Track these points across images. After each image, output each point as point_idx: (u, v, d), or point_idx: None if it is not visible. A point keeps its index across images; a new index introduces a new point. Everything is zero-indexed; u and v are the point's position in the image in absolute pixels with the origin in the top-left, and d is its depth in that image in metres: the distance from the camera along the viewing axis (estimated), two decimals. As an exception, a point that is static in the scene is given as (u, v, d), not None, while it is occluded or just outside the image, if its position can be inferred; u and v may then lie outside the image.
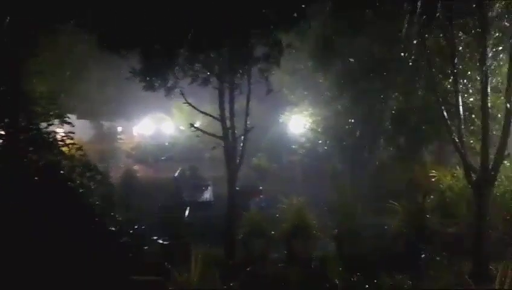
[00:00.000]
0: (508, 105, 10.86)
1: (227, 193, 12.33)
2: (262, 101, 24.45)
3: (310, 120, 20.39)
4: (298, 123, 21.67)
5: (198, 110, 12.64)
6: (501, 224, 12.96)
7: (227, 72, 11.32)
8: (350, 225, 13.67)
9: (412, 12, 11.44)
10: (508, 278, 8.47)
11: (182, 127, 29.76)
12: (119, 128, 32.25)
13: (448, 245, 12.42)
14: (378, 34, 14.29)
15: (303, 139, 21.48)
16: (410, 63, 13.24)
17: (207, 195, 19.12)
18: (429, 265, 11.55)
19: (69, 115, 10.59)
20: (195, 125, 13.52)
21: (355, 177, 17.56)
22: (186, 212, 16.40)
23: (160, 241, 12.52)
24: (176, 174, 21.53)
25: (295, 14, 10.16)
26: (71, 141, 10.02)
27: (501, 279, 8.35)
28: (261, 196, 18.03)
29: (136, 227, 10.58)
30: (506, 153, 11.08)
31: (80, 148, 10.24)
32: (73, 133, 10.15)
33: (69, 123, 10.19)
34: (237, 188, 15.04)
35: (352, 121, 17.50)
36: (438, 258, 11.67)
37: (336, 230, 13.72)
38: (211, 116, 12.30)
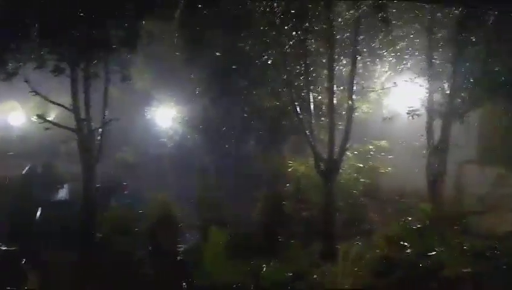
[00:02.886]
0: (350, 102, 12.36)
1: (83, 190, 11.45)
2: (128, 93, 23.41)
3: (179, 113, 20.21)
4: (167, 116, 21.26)
5: (48, 99, 11.43)
6: (346, 207, 14.72)
7: (79, 58, 10.36)
8: (215, 216, 14.02)
9: (271, 15, 12.15)
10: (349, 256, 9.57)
11: (34, 119, 26.53)
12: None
13: (302, 228, 13.63)
14: (241, 32, 14.74)
15: (171, 132, 21.16)
16: (270, 62, 14.01)
17: (63, 194, 17.60)
18: (286, 248, 12.48)
19: None
20: (51, 117, 12.25)
21: (222, 169, 18.00)
22: (38, 214, 14.77)
23: (3, 249, 11.10)
24: (24, 171, 19.23)
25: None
26: None
27: (343, 257, 9.40)
28: (126, 192, 17.25)
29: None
30: (348, 144, 12.60)
31: None
32: None
33: None
34: (98, 185, 14.15)
35: (219, 115, 17.88)
36: (293, 241, 12.68)
37: (201, 222, 13.94)
38: (61, 106, 11.18)
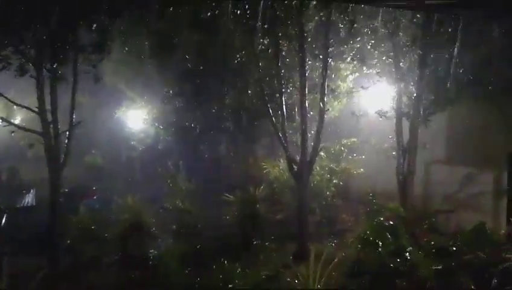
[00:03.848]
0: (321, 104, 12.45)
1: (50, 195, 11.05)
2: (96, 95, 22.83)
3: (150, 116, 19.86)
4: (137, 118, 20.85)
5: (12, 101, 10.95)
6: (319, 209, 14.85)
7: (46, 58, 9.95)
8: (188, 220, 13.83)
9: (242, 17, 12.10)
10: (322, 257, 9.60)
11: (-1, 122, 25.50)
12: None
13: (276, 231, 13.66)
14: (214, 34, 14.65)
15: (142, 135, 20.77)
16: (242, 63, 13.98)
17: (28, 199, 17.00)
18: (260, 250, 12.45)
19: None
20: (18, 120, 11.75)
21: (195, 171, 17.80)
22: (3, 220, 14.20)
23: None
24: None
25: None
26: None
27: (316, 258, 9.42)
28: (95, 197, 16.78)
29: None
30: (320, 146, 12.69)
31: None
32: None
33: None
34: (66, 190, 13.70)
35: (192, 117, 17.69)
36: (267, 244, 12.66)
37: (174, 226, 13.73)
38: (26, 108, 10.73)
